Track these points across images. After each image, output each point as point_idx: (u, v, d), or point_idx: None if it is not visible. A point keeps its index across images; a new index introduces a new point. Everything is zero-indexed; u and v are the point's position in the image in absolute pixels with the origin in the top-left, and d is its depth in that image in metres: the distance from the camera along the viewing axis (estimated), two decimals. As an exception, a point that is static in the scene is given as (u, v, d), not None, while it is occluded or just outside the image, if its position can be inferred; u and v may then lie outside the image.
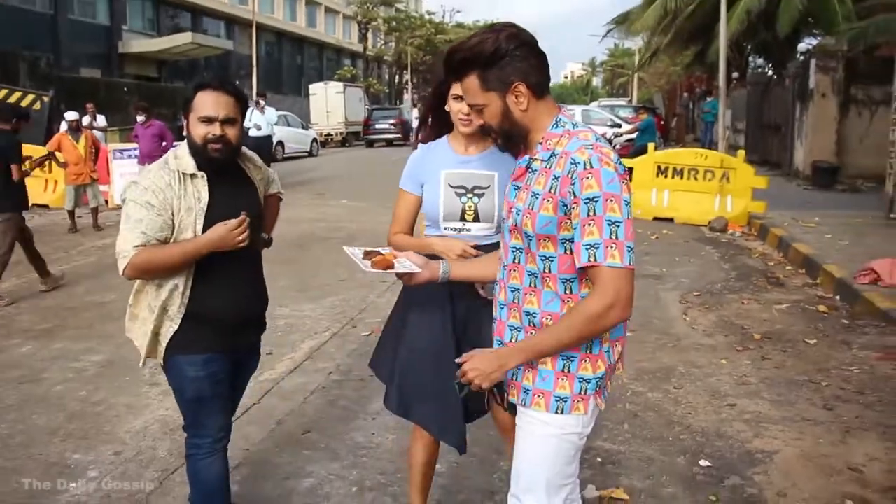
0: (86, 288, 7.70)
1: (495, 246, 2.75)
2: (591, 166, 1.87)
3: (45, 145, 15.13)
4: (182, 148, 2.64)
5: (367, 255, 2.42)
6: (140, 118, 12.21)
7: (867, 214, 10.75)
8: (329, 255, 8.77)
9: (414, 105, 42.70)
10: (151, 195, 2.52)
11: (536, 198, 1.98)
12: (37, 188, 14.35)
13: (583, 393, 2.04)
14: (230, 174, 2.69)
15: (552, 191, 1.94)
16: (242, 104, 2.64)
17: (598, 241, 1.86)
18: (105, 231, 11.37)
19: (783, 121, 17.58)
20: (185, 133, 2.64)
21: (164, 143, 12.10)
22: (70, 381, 5.05)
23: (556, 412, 2.04)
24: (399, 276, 2.40)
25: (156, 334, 2.66)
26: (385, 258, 2.40)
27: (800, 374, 5.04)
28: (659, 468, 3.77)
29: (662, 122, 15.82)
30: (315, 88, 37.82)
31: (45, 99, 16.72)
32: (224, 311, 2.67)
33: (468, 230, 2.75)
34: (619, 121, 23.26)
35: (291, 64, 49.95)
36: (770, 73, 22.97)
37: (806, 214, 10.85)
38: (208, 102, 2.54)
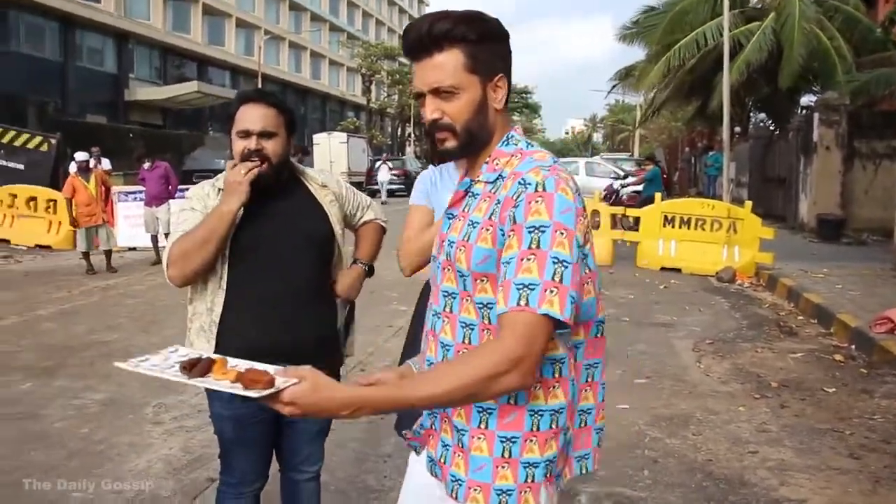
0: (88, 327, 7.58)
1: None
2: (544, 189, 1.50)
3: (50, 186, 15.28)
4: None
5: (192, 366, 1.53)
6: (146, 165, 12.26)
7: (875, 266, 10.69)
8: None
9: (416, 157, 43.00)
10: (195, 201, 2.48)
11: (474, 227, 1.59)
12: (40, 229, 14.38)
13: (530, 481, 1.59)
14: (282, 191, 2.51)
15: (492, 217, 1.55)
16: (286, 117, 2.50)
17: (535, 280, 1.44)
18: (113, 272, 11.33)
19: (787, 174, 17.66)
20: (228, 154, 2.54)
21: (170, 187, 12.12)
22: (70, 418, 4.91)
23: None
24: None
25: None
26: (245, 374, 1.48)
27: (821, 423, 4.90)
28: (684, 516, 3.62)
29: (665, 176, 15.84)
30: (319, 138, 38.13)
31: (52, 141, 16.78)
32: (252, 339, 2.40)
33: None
34: (622, 172, 23.35)
35: (295, 114, 50.43)
36: (772, 126, 23.18)
37: (814, 266, 10.78)
38: (246, 116, 2.42)
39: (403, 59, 59.28)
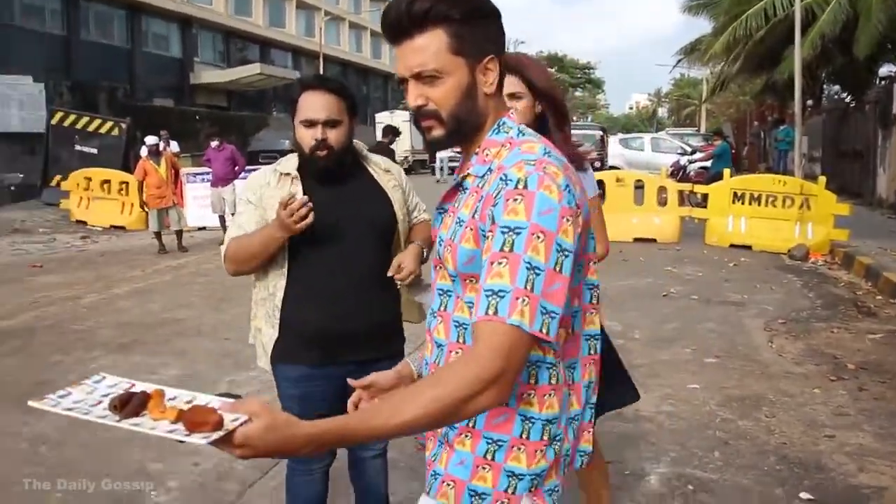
0: (161, 305, 7.81)
1: None
2: (525, 186, 1.35)
3: (122, 169, 15.75)
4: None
5: (123, 403, 1.25)
6: (214, 143, 12.44)
7: (959, 244, 10.23)
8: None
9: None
10: (250, 193, 2.52)
11: (460, 226, 1.48)
12: (114, 211, 14.84)
13: (509, 492, 1.45)
14: (343, 176, 2.53)
15: (475, 215, 1.44)
16: (348, 101, 2.50)
17: (505, 287, 1.30)
18: (185, 252, 11.64)
19: (863, 148, 17.01)
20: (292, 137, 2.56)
21: (236, 168, 12.33)
22: (148, 394, 5.06)
23: None
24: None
25: (261, 340, 2.59)
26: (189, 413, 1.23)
27: (903, 406, 4.74)
28: (758, 499, 3.55)
29: (734, 151, 15.43)
30: (381, 117, 38.18)
31: (124, 126, 17.26)
32: (313, 323, 2.48)
33: None
34: (688, 148, 22.85)
35: (357, 94, 50.67)
36: (847, 98, 22.32)
37: (893, 244, 10.36)
38: (309, 104, 2.42)
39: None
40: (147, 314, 7.42)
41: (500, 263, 1.32)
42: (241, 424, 1.20)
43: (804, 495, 3.57)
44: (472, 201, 1.46)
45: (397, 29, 1.47)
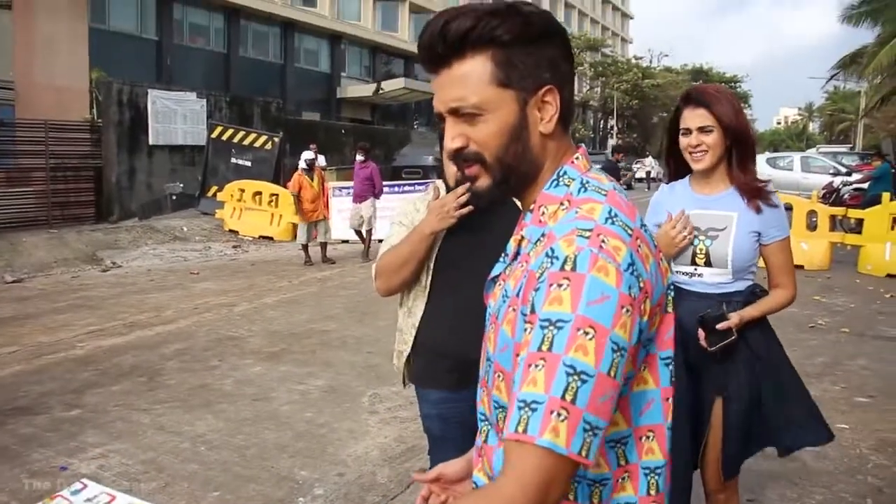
0: (307, 316, 8.22)
1: (731, 296, 2.60)
2: (574, 268, 1.08)
3: (273, 181, 16.63)
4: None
5: None
6: (359, 157, 12.70)
7: None
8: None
9: (615, 151, 42.27)
10: (404, 217, 2.65)
11: (504, 301, 1.23)
12: (263, 222, 15.68)
13: None
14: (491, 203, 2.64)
15: (519, 293, 1.17)
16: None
17: (540, 396, 1.04)
18: (330, 264, 12.17)
19: None
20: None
21: (375, 189, 12.56)
22: (296, 402, 5.37)
23: None
24: None
25: (400, 357, 2.73)
26: None
27: None
28: (913, 554, 3.37)
29: (895, 172, 14.43)
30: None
31: (276, 140, 18.23)
32: (449, 346, 2.55)
33: (699, 275, 2.62)
34: (843, 168, 21.60)
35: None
36: None
37: None
38: None
39: (607, 50, 58.40)
40: (295, 324, 7.83)
41: (536, 367, 1.06)
42: None
43: (966, 553, 3.36)
44: (519, 273, 1.21)
45: (432, 55, 1.21)
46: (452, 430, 2.63)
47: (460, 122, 1.21)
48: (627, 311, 1.07)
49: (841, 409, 5.22)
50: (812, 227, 11.85)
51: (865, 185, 15.00)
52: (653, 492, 1.22)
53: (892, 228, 11.07)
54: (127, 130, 17.08)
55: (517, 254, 1.28)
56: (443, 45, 1.18)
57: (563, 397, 1.03)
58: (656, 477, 1.23)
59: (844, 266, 11.29)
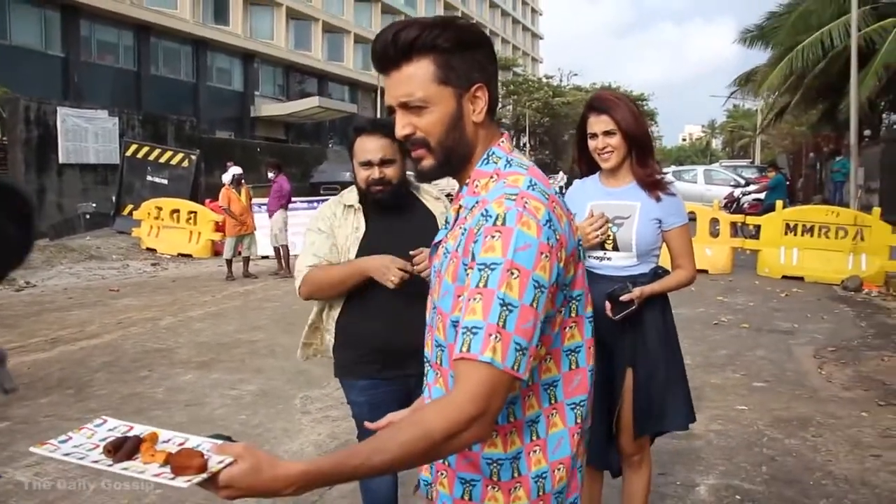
0: (235, 327, 8.29)
1: (637, 277, 2.93)
2: (503, 222, 1.35)
3: (191, 199, 16.47)
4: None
5: (117, 447, 1.31)
6: (270, 175, 12.97)
7: None
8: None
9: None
10: (321, 222, 2.85)
11: (446, 256, 1.51)
12: (182, 239, 15.52)
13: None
14: (400, 207, 2.85)
15: (458, 248, 1.45)
16: (400, 142, 2.85)
17: (479, 323, 1.31)
18: (252, 278, 12.21)
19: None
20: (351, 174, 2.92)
21: (282, 199, 12.76)
22: (229, 406, 5.49)
23: None
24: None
25: (306, 350, 2.97)
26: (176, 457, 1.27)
27: (949, 430, 4.89)
28: (801, 509, 3.77)
29: (788, 183, 15.49)
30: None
31: (193, 157, 18.07)
32: (371, 339, 2.78)
33: (609, 259, 2.93)
34: (742, 180, 22.82)
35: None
36: (906, 130, 22.09)
37: (949, 275, 10.37)
38: (365, 147, 2.73)
39: (518, 69, 59.58)
40: (222, 335, 7.90)
41: (474, 300, 1.32)
42: (226, 466, 1.24)
43: (847, 508, 3.78)
44: (458, 233, 1.48)
45: (385, 58, 1.48)
46: (382, 416, 2.86)
47: (408, 113, 1.49)
48: (546, 256, 1.35)
49: (741, 393, 5.69)
50: (715, 233, 12.59)
51: (762, 195, 15.98)
52: (579, 420, 1.52)
53: (786, 233, 11.88)
54: (35, 149, 16.67)
55: (456, 220, 1.55)
56: (394, 50, 1.46)
57: (497, 323, 1.30)
58: (581, 409, 1.52)
59: (745, 269, 12.06)
